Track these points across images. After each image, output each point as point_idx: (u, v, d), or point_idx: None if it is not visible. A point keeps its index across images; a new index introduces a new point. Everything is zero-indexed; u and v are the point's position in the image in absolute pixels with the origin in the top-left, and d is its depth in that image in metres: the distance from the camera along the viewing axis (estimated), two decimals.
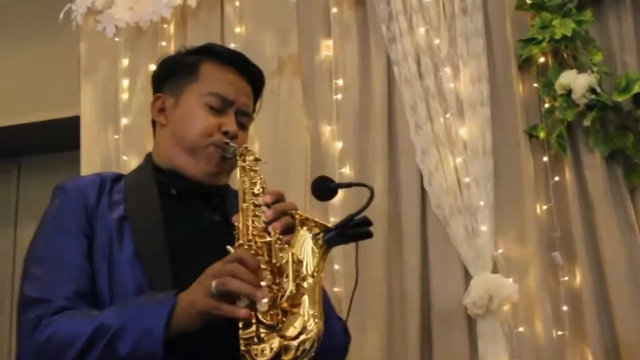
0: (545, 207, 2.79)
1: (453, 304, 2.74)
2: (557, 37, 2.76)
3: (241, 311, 1.25)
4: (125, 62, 3.43)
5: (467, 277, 2.75)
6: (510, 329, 2.68)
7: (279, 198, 1.44)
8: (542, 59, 2.86)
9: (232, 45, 3.23)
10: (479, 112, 2.86)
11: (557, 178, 2.80)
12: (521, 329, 2.68)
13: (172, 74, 1.71)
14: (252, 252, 1.35)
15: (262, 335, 1.27)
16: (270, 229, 1.38)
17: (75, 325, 1.37)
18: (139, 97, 3.37)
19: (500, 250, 2.75)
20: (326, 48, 3.15)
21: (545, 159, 2.81)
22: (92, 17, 3.50)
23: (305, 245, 1.36)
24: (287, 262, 1.33)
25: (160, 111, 1.71)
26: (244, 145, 1.60)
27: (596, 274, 2.70)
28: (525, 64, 2.88)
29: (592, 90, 2.69)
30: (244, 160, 1.56)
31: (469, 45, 2.92)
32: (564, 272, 2.73)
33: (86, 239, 1.51)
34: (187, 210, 1.58)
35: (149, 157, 1.72)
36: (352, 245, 2.85)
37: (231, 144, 1.59)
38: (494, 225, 2.77)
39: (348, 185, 1.44)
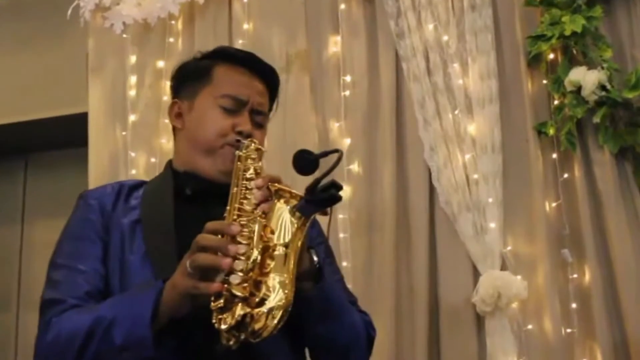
0: (554, 204, 2.78)
1: (461, 301, 2.73)
2: (567, 33, 2.74)
3: (213, 285, 1.27)
4: (133, 58, 3.43)
5: (476, 274, 2.74)
6: (519, 327, 2.67)
7: (273, 181, 1.42)
8: (551, 56, 2.84)
9: (239, 42, 3.24)
10: (487, 108, 2.85)
11: (566, 175, 2.78)
12: (530, 327, 2.67)
13: (187, 79, 1.75)
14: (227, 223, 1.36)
15: (230, 304, 1.27)
16: (258, 210, 1.39)
17: (77, 320, 1.42)
18: (147, 94, 3.38)
19: (509, 248, 2.74)
20: (334, 44, 3.14)
21: (554, 155, 2.80)
22: (100, 13, 3.49)
23: (282, 217, 1.35)
24: (256, 231, 1.33)
25: (177, 116, 1.74)
26: (250, 139, 1.60)
27: (605, 271, 2.68)
28: (534, 60, 2.87)
29: (602, 87, 2.68)
30: (246, 149, 1.56)
31: (477, 42, 2.91)
32: (573, 270, 2.71)
33: (102, 243, 1.57)
34: (201, 211, 1.58)
35: (169, 163, 1.76)
36: (359, 243, 2.87)
37: (242, 141, 1.60)
38: (503, 222, 2.76)
39: (325, 154, 1.41)
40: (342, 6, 3.13)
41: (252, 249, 1.31)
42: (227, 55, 1.75)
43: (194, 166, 1.66)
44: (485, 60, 2.88)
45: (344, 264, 2.84)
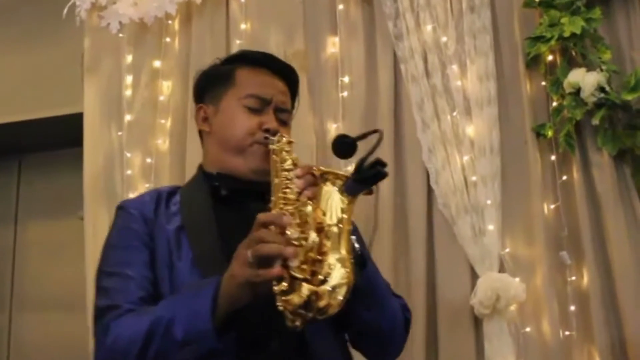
0: (552, 206, 2.77)
1: (459, 303, 2.72)
2: (566, 35, 2.73)
3: (274, 270, 1.30)
4: (129, 58, 3.41)
5: (474, 276, 2.73)
6: (517, 329, 2.66)
7: (310, 171, 1.47)
8: (550, 57, 2.83)
9: (237, 42, 3.22)
10: (486, 110, 2.84)
11: (564, 177, 2.77)
12: (528, 329, 2.66)
13: (210, 84, 1.82)
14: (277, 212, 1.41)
15: (293, 286, 1.31)
16: (303, 197, 1.43)
17: (135, 322, 1.46)
18: (143, 93, 3.36)
19: (507, 250, 2.73)
20: (332, 45, 3.13)
21: (553, 157, 2.79)
22: (96, 12, 3.47)
23: (331, 199, 1.40)
24: (308, 215, 1.39)
25: (204, 120, 1.81)
26: (279, 134, 1.65)
27: (604, 273, 2.67)
28: (533, 62, 2.86)
29: (601, 89, 2.67)
30: (278, 142, 1.61)
31: (476, 43, 2.90)
32: (572, 272, 2.70)
33: (148, 250, 1.62)
34: (239, 212, 1.65)
35: (200, 167, 1.82)
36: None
37: (270, 138, 1.65)
38: (501, 225, 2.75)
39: (363, 136, 1.46)
40: (341, 7, 3.12)
41: (309, 231, 1.36)
42: (248, 58, 1.82)
43: (226, 167, 1.73)
44: (483, 62, 2.87)
45: None
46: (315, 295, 1.30)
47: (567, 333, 2.65)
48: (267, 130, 1.68)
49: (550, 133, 2.78)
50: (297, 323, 1.32)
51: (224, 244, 1.58)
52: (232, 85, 1.77)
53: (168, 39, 3.36)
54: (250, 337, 1.47)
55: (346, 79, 3.06)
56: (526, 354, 2.64)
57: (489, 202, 2.75)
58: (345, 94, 3.04)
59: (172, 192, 1.76)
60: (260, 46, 3.15)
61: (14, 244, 4.48)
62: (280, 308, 1.31)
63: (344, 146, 1.45)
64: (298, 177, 1.46)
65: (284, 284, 1.30)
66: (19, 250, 4.48)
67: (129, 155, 3.30)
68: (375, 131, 1.42)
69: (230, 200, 1.69)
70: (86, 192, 3.34)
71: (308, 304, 1.30)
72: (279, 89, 1.78)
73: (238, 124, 1.71)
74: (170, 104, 3.30)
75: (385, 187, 2.88)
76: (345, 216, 1.38)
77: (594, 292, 2.64)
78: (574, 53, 2.80)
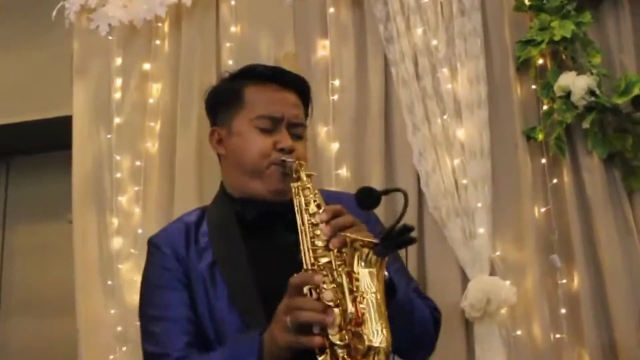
0: (543, 209, 2.77)
1: (450, 306, 2.70)
2: (556, 38, 2.74)
3: (315, 339, 1.34)
4: (118, 60, 3.38)
5: (465, 279, 2.73)
6: (508, 332, 2.67)
7: (335, 214, 1.47)
8: (540, 61, 2.84)
9: (227, 45, 3.22)
10: (476, 113, 2.84)
11: (555, 180, 2.77)
12: (519, 332, 2.67)
13: (220, 105, 1.82)
14: (311, 272, 1.44)
15: (337, 355, 1.34)
16: (331, 245, 1.44)
17: None
18: (132, 96, 3.34)
19: (497, 253, 2.74)
20: (323, 48, 3.12)
21: (543, 161, 2.79)
22: (85, 15, 3.45)
23: (360, 262, 1.40)
24: (342, 283, 1.40)
25: (219, 143, 1.81)
26: (298, 162, 1.66)
27: (594, 276, 2.68)
28: (523, 65, 2.86)
29: (591, 92, 2.68)
30: (298, 179, 1.62)
31: (467, 46, 2.90)
32: (562, 275, 2.70)
33: (186, 290, 1.65)
34: (268, 241, 1.68)
35: (221, 187, 1.82)
36: None
37: (287, 160, 1.67)
38: (492, 228, 2.75)
39: (387, 192, 1.48)
40: (331, 10, 3.11)
41: (346, 302, 1.37)
42: (255, 74, 1.80)
43: (246, 191, 1.74)
44: (474, 65, 2.87)
45: None
46: None
47: (557, 336, 2.65)
48: (281, 150, 1.69)
49: (540, 136, 2.78)
50: None
51: (256, 277, 1.62)
52: (242, 106, 1.76)
53: (158, 42, 3.35)
54: None
55: (337, 82, 3.05)
56: (517, 357, 2.64)
57: (479, 205, 2.75)
58: (335, 97, 3.03)
59: (198, 221, 1.76)
60: (250, 49, 3.16)
61: (2, 248, 4.45)
62: None
63: (368, 198, 1.45)
64: (323, 221, 1.46)
65: (326, 355, 1.35)
66: (7, 253, 4.45)
67: (118, 158, 3.28)
68: (398, 189, 1.45)
69: (256, 226, 1.70)
70: (75, 195, 3.31)
71: None
72: (290, 104, 1.76)
73: (252, 146, 1.71)
74: (160, 106, 3.28)
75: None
76: (377, 281, 1.39)
77: (585, 295, 2.65)
78: (564, 57, 2.81)
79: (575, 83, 2.69)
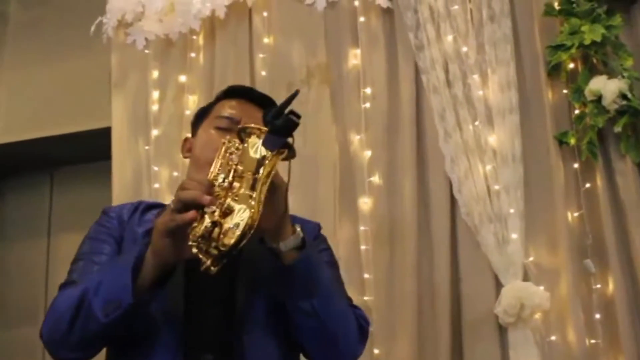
0: (576, 214, 2.77)
1: (484, 312, 2.72)
2: (587, 42, 2.74)
3: (188, 214, 1.37)
4: (155, 73, 3.46)
5: (498, 285, 2.73)
6: (542, 338, 2.66)
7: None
8: (571, 65, 2.84)
9: (260, 56, 3.27)
10: (508, 119, 2.85)
11: (588, 185, 2.77)
12: (553, 338, 2.66)
13: (196, 120, 1.93)
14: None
15: (201, 221, 1.37)
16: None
17: (74, 290, 1.55)
18: (169, 108, 3.41)
19: (531, 258, 2.74)
20: (354, 57, 3.16)
21: (575, 165, 2.79)
22: (123, 29, 3.54)
23: (255, 151, 1.45)
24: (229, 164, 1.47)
25: (188, 151, 1.90)
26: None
27: (629, 280, 2.67)
28: (554, 70, 2.86)
29: (623, 96, 2.67)
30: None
31: (497, 52, 2.91)
32: (597, 280, 2.70)
33: (115, 244, 1.73)
34: None
35: None
36: (381, 255, 2.87)
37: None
38: (525, 233, 2.75)
39: (286, 100, 1.47)
40: (362, 19, 3.15)
41: (220, 175, 1.45)
42: (227, 91, 1.91)
43: None
44: (505, 71, 2.88)
45: (365, 275, 2.85)
46: (218, 227, 1.35)
47: (592, 341, 2.64)
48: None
49: (572, 141, 2.78)
50: (209, 263, 1.35)
51: None
52: (209, 115, 1.86)
53: (193, 54, 3.41)
54: (186, 351, 1.54)
55: (368, 91, 3.08)
56: None
57: (512, 210, 2.75)
58: (367, 105, 3.07)
59: (154, 205, 1.85)
60: (282, 59, 3.21)
61: (47, 257, 4.54)
62: (190, 243, 1.36)
63: (271, 114, 1.47)
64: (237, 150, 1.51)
65: (195, 223, 1.37)
66: (52, 262, 4.53)
67: (156, 169, 3.35)
68: (296, 91, 1.47)
69: None
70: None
71: (209, 236, 1.34)
72: (250, 114, 1.81)
73: (208, 142, 1.78)
74: None
75: (408, 197, 2.91)
76: (263, 168, 1.43)
77: (620, 300, 2.64)
78: (595, 60, 2.81)
79: (607, 87, 2.69)
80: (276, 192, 1.47)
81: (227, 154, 1.52)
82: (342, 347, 1.62)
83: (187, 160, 3.11)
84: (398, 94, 3.06)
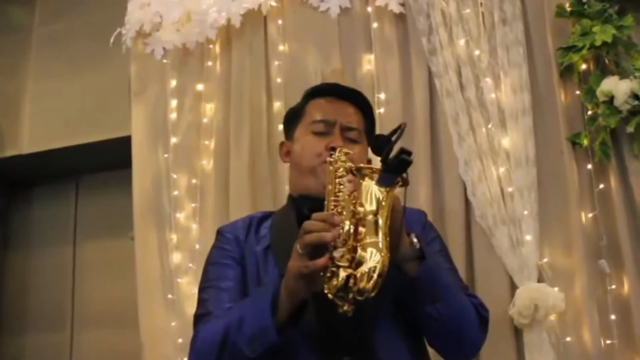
0: (590, 215, 2.76)
1: (499, 314, 2.72)
2: (598, 43, 2.74)
3: (319, 260, 1.43)
4: (173, 82, 3.52)
5: (513, 287, 2.75)
6: (558, 339, 2.66)
7: (350, 169, 1.61)
8: (583, 66, 2.83)
9: (275, 63, 3.31)
10: (521, 121, 2.86)
11: (602, 185, 2.77)
12: (568, 339, 2.66)
13: (289, 121, 2.00)
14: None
15: (336, 273, 1.43)
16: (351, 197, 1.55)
17: (215, 325, 1.64)
18: (187, 117, 3.46)
19: (545, 260, 2.74)
20: (368, 63, 3.18)
21: (589, 166, 2.79)
22: (141, 40, 3.60)
23: (369, 191, 1.51)
24: (347, 207, 1.52)
25: (287, 154, 1.97)
26: (339, 149, 1.72)
27: None
28: (566, 71, 2.86)
29: (635, 96, 2.66)
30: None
31: (509, 55, 2.92)
32: (611, 280, 2.69)
33: (239, 267, 1.80)
34: None
35: (288, 195, 1.96)
36: None
37: (336, 154, 1.74)
38: (539, 235, 2.76)
39: (394, 132, 1.54)
40: (375, 25, 3.18)
41: (344, 222, 1.48)
42: (315, 91, 1.96)
43: (303, 189, 1.85)
44: (517, 74, 2.89)
45: None
46: (353, 278, 1.41)
47: (608, 342, 2.64)
48: (332, 149, 1.77)
49: (585, 142, 2.78)
50: (346, 307, 1.43)
51: None
52: (302, 117, 1.93)
53: (210, 63, 3.47)
54: (323, 352, 1.62)
55: (382, 96, 3.11)
56: None
57: (526, 212, 2.76)
58: (381, 110, 3.09)
59: (264, 217, 1.92)
60: (298, 66, 3.25)
61: (73, 264, 4.63)
62: (326, 292, 1.43)
63: (379, 143, 1.53)
64: (350, 181, 1.57)
65: (328, 274, 1.43)
66: (78, 269, 4.62)
67: (175, 176, 3.41)
68: (400, 126, 1.52)
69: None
70: (136, 212, 3.45)
71: (346, 286, 1.41)
72: (344, 110, 1.89)
73: (307, 148, 1.85)
74: (214, 125, 3.39)
75: (423, 200, 2.93)
76: (383, 205, 1.49)
77: (635, 300, 2.64)
78: (607, 61, 2.80)
79: (618, 87, 2.68)
80: (394, 213, 1.54)
81: (337, 181, 1.59)
82: (465, 341, 1.73)
83: (210, 167, 3.29)
84: (412, 99, 3.08)
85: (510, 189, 2.81)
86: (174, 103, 3.50)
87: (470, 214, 2.89)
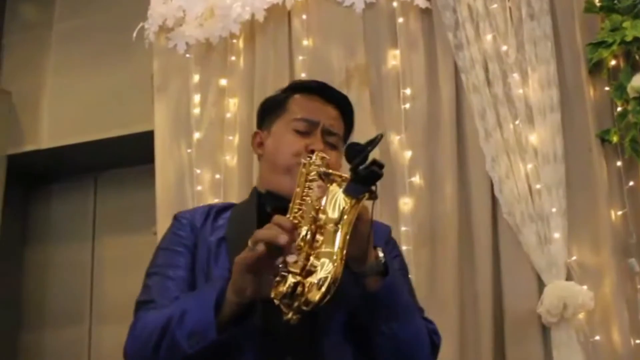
0: (619, 212, 2.74)
1: (526, 312, 2.71)
2: (628, 39, 2.71)
3: (258, 247, 1.39)
4: (196, 77, 3.51)
5: (541, 284, 2.72)
6: (586, 338, 2.64)
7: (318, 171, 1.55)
8: (613, 62, 2.81)
9: (300, 58, 3.29)
10: (549, 117, 2.83)
11: (631, 183, 2.74)
12: (597, 338, 2.64)
13: (267, 112, 1.89)
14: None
15: (285, 278, 1.38)
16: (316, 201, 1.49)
17: (158, 315, 1.57)
18: (210, 112, 3.45)
19: (574, 258, 2.72)
20: (393, 58, 3.16)
21: (618, 163, 2.76)
22: (164, 34, 3.59)
23: (334, 198, 1.45)
24: (309, 212, 1.45)
25: (259, 145, 1.88)
26: (317, 152, 1.65)
27: None
28: (595, 67, 2.83)
29: None
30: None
31: (537, 50, 2.90)
32: None
33: (190, 254, 1.72)
34: None
35: (254, 188, 1.89)
36: (422, 255, 2.87)
37: (308, 155, 1.67)
38: (567, 232, 2.73)
39: (370, 142, 1.44)
40: (400, 19, 3.16)
41: (302, 227, 1.42)
42: (301, 86, 1.88)
43: (274, 186, 1.77)
44: (545, 69, 2.87)
45: None
46: (301, 286, 1.35)
47: (638, 341, 2.61)
48: (311, 151, 1.70)
49: (615, 139, 2.75)
50: (290, 315, 1.37)
51: None
52: (284, 112, 1.83)
53: (233, 58, 3.45)
54: (265, 353, 1.56)
55: (408, 91, 3.09)
56: None
57: (554, 210, 2.74)
58: (407, 105, 3.07)
59: (224, 208, 1.84)
60: (322, 61, 3.23)
61: (92, 259, 4.63)
62: (272, 296, 1.37)
63: (354, 152, 1.45)
64: (319, 186, 1.50)
65: (278, 278, 1.37)
66: (97, 264, 4.62)
67: (198, 171, 3.39)
68: (377, 136, 1.45)
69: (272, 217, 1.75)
70: (159, 207, 3.43)
71: (292, 293, 1.35)
72: (328, 114, 1.81)
73: (286, 145, 1.77)
74: (237, 120, 3.38)
75: (449, 197, 2.91)
76: (345, 217, 1.42)
77: None
78: (637, 57, 2.77)
79: None
80: (361, 225, 1.48)
81: (307, 185, 1.53)
82: None
83: (234, 163, 3.28)
84: (438, 94, 3.06)
85: (538, 186, 2.78)
86: (197, 98, 3.48)
87: (497, 211, 2.87)
